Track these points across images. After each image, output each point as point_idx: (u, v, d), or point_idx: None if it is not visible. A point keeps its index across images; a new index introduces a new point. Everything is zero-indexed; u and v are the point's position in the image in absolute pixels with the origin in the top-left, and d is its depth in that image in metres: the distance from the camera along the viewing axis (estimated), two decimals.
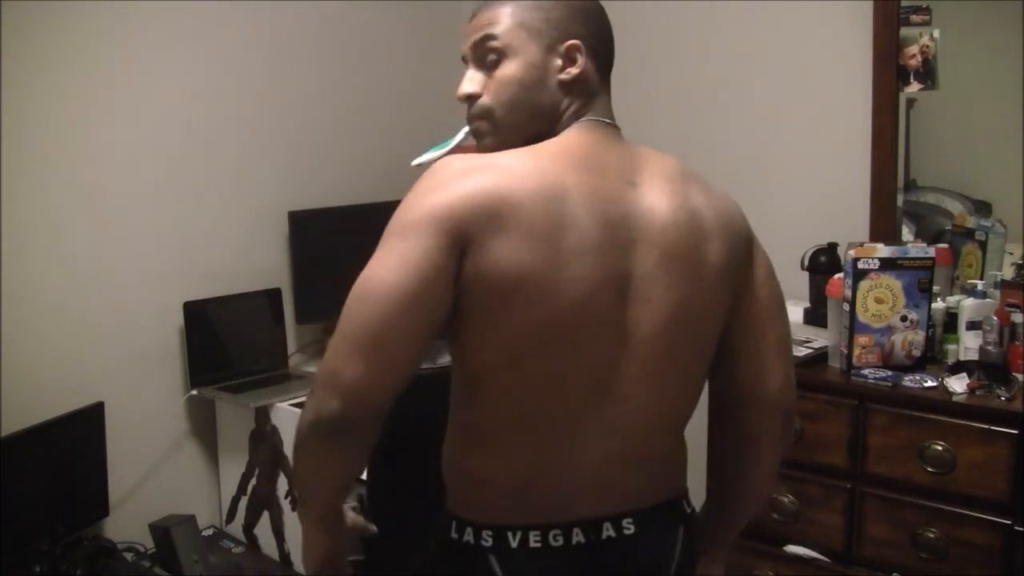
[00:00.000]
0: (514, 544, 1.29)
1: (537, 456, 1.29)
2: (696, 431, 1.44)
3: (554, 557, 1.29)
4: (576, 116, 1.34)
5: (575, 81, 1.32)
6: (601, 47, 1.35)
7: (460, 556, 1.33)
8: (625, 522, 1.31)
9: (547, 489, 1.30)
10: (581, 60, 1.32)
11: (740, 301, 1.37)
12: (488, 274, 1.20)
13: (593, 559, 1.30)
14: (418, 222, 1.20)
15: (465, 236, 1.19)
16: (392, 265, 1.20)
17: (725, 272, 1.32)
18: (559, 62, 1.32)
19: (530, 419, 1.28)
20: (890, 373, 2.30)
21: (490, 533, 1.30)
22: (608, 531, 1.30)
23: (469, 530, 1.32)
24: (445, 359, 1.37)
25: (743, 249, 1.36)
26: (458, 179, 1.22)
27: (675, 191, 1.30)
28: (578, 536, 1.29)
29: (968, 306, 2.36)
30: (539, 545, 1.29)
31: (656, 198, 1.28)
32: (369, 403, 1.21)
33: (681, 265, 1.28)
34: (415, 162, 1.44)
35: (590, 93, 1.34)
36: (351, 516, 1.44)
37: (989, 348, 2.26)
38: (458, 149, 1.53)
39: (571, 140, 1.31)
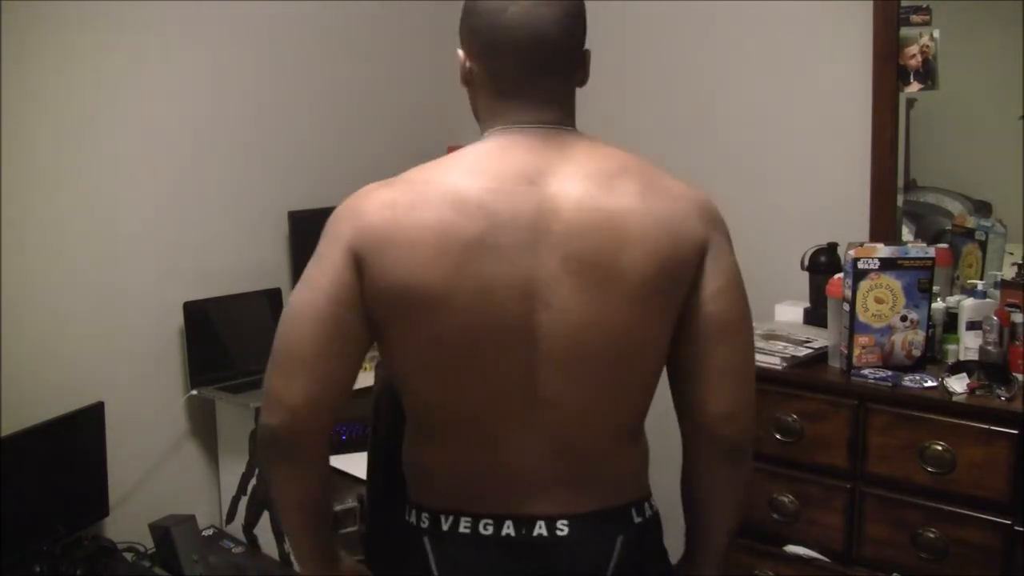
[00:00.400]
0: (445, 527, 1.32)
1: (464, 454, 1.32)
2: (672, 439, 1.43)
3: (483, 546, 1.31)
4: (485, 118, 1.33)
5: (468, 85, 1.34)
6: (495, 47, 1.29)
7: (404, 536, 1.37)
8: (560, 523, 1.30)
9: (477, 484, 1.32)
10: (463, 65, 1.33)
11: (686, 315, 1.30)
12: (381, 290, 1.25)
13: (522, 555, 1.30)
14: (326, 242, 1.28)
15: (359, 254, 1.25)
16: (305, 288, 1.28)
17: (651, 281, 1.25)
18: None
19: (453, 420, 1.31)
20: (890, 373, 2.30)
21: (427, 515, 1.34)
22: (540, 529, 1.30)
23: (414, 512, 1.36)
24: None
25: (684, 257, 1.27)
26: (362, 198, 1.29)
27: (592, 192, 1.25)
28: (508, 529, 1.30)
29: (968, 306, 2.36)
30: (468, 531, 1.31)
31: (564, 199, 1.24)
32: (302, 418, 1.27)
33: (588, 270, 1.23)
34: None
35: (496, 95, 1.31)
36: (349, 563, 1.47)
37: (989, 348, 2.26)
38: None
39: (473, 149, 1.31)
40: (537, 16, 1.26)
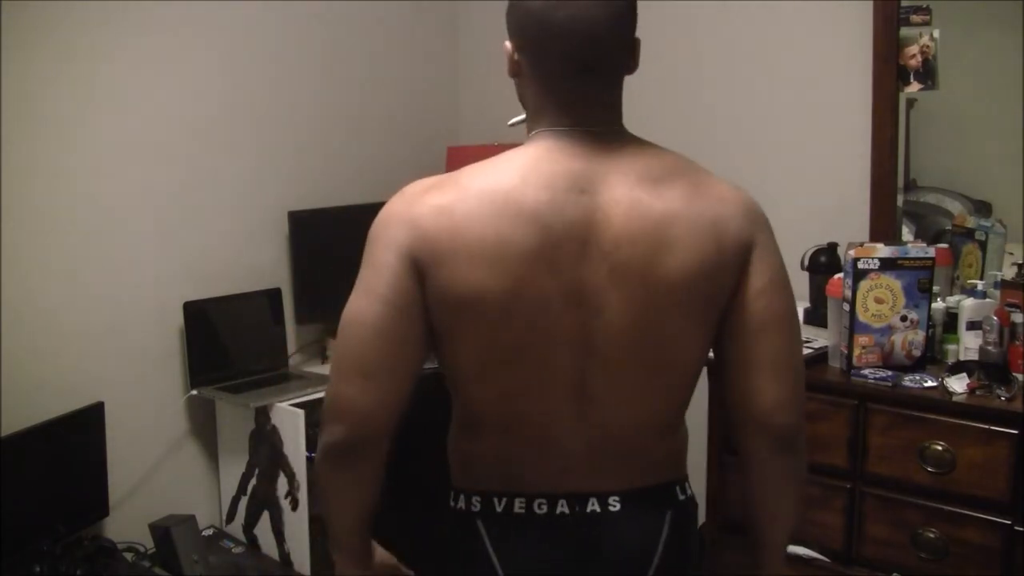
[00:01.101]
0: (499, 509, 1.34)
1: (514, 445, 1.34)
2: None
3: (538, 525, 1.33)
4: (532, 114, 1.33)
5: (517, 84, 1.34)
6: (544, 46, 1.27)
7: (454, 522, 1.38)
8: (612, 499, 1.33)
9: (528, 468, 1.34)
10: (511, 58, 1.32)
11: (730, 313, 1.32)
12: (441, 299, 1.26)
13: (577, 532, 1.33)
14: (380, 247, 1.27)
15: (418, 262, 1.25)
16: (364, 294, 1.28)
17: (695, 285, 1.27)
18: None
19: (505, 417, 1.33)
20: (890, 373, 2.30)
21: (479, 499, 1.36)
22: (593, 506, 1.33)
23: (462, 497, 1.38)
24: None
25: (728, 259, 1.29)
26: (413, 202, 1.27)
27: (640, 197, 1.26)
28: (563, 507, 1.33)
29: (968, 306, 2.36)
30: (523, 511, 1.33)
31: (613, 206, 1.25)
32: (369, 426, 1.29)
33: (634, 277, 1.25)
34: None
35: (543, 92, 1.30)
36: (381, 553, 1.49)
37: (989, 348, 2.26)
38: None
39: (523, 152, 1.31)
40: (588, 19, 1.25)
